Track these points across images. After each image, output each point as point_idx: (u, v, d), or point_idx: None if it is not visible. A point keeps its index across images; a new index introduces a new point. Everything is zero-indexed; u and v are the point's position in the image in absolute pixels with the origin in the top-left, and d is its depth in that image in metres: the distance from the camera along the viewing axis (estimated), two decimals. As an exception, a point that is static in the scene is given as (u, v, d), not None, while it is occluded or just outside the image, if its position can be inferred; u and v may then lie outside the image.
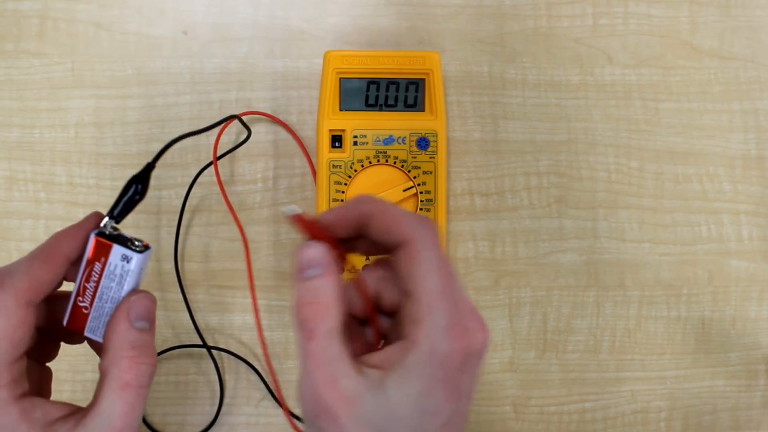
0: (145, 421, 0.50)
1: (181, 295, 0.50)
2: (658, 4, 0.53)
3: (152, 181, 0.50)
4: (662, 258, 0.52)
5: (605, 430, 0.51)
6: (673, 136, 0.52)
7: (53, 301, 0.32)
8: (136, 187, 0.31)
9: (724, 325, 0.52)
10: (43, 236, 0.50)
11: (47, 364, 0.34)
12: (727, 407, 0.52)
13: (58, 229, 0.50)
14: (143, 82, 0.51)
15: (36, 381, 0.31)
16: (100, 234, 0.30)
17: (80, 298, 0.30)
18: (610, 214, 0.52)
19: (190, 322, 0.50)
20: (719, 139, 0.53)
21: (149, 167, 0.32)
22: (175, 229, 0.50)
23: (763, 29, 0.53)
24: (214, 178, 0.50)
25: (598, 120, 0.52)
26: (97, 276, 0.30)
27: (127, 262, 0.30)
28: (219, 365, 0.50)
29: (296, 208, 0.29)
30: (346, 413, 0.27)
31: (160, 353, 0.49)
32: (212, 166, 0.49)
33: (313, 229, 0.30)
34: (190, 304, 0.50)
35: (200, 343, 0.50)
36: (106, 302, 0.30)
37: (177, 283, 0.50)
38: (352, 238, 0.31)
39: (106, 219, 0.31)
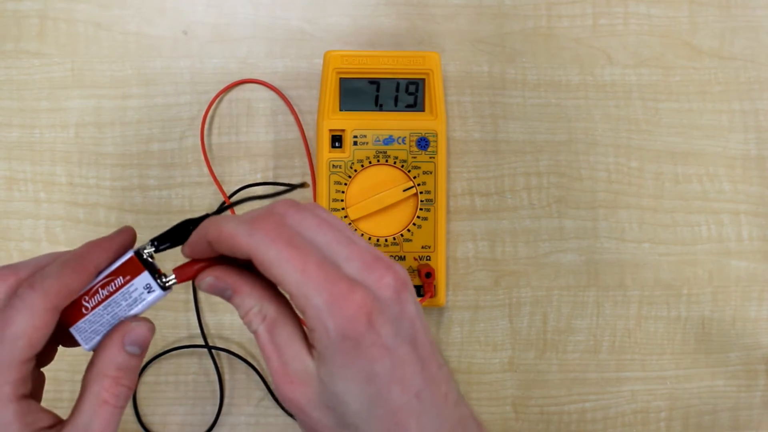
0: (142, 421, 0.50)
1: (181, 295, 0.50)
2: (658, 4, 0.53)
3: (152, 181, 0.50)
4: (662, 258, 0.52)
5: (605, 430, 0.51)
6: (673, 136, 0.52)
7: None
8: (188, 229, 0.32)
9: (724, 325, 0.52)
10: (43, 236, 0.50)
11: (41, 370, 0.34)
12: (727, 407, 0.52)
13: (58, 229, 0.51)
14: (143, 82, 0.51)
15: (34, 384, 0.31)
16: (138, 254, 0.31)
17: (86, 298, 0.31)
18: (610, 214, 0.52)
19: (190, 322, 0.50)
20: (719, 139, 0.53)
21: (207, 217, 0.32)
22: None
23: (763, 29, 0.53)
24: (214, 178, 0.50)
25: (598, 120, 0.52)
26: (113, 288, 0.31)
27: (149, 292, 0.31)
28: (219, 365, 0.50)
29: (171, 275, 0.31)
30: (303, 398, 0.28)
31: (161, 354, 0.50)
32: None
33: (189, 268, 0.31)
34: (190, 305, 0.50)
35: (201, 343, 0.50)
36: (107, 315, 0.31)
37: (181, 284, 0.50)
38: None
39: (149, 246, 0.32)
